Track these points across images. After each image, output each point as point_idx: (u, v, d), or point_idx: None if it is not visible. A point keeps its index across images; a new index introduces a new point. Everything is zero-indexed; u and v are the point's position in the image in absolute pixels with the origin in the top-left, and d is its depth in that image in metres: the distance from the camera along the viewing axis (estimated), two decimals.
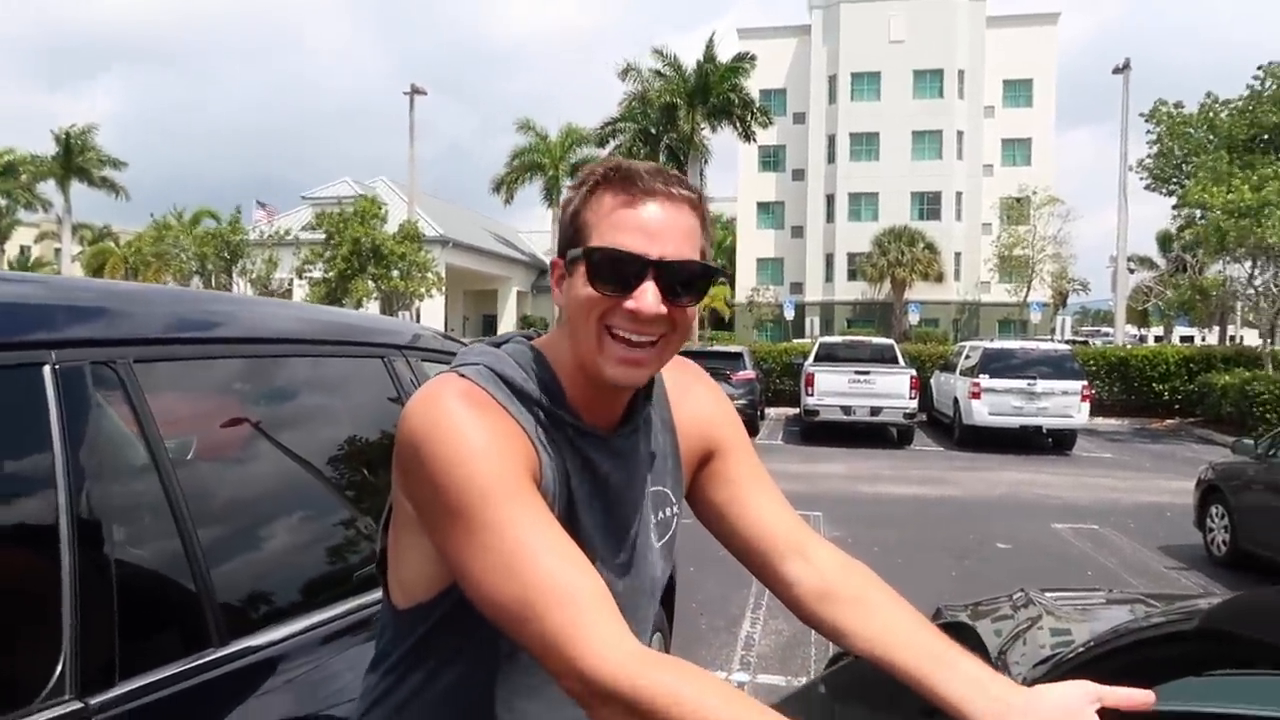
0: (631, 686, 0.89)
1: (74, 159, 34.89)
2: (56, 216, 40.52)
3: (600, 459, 1.10)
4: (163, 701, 1.33)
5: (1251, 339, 26.96)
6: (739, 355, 17.76)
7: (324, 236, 25.03)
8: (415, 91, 29.18)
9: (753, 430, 16.96)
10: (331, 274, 24.72)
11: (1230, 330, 33.57)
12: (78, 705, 1.22)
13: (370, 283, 24.78)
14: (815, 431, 16.22)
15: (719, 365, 16.53)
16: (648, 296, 1.01)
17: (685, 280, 1.03)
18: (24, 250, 59.81)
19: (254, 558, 1.74)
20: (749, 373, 17.08)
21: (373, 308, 26.20)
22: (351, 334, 2.18)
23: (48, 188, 37.84)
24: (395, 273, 24.87)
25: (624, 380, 1.05)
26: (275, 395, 1.94)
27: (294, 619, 1.66)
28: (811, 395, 15.91)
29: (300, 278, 26.25)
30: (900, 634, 1.10)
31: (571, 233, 1.06)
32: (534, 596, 0.93)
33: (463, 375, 1.05)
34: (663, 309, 1.02)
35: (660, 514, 1.20)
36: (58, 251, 42.94)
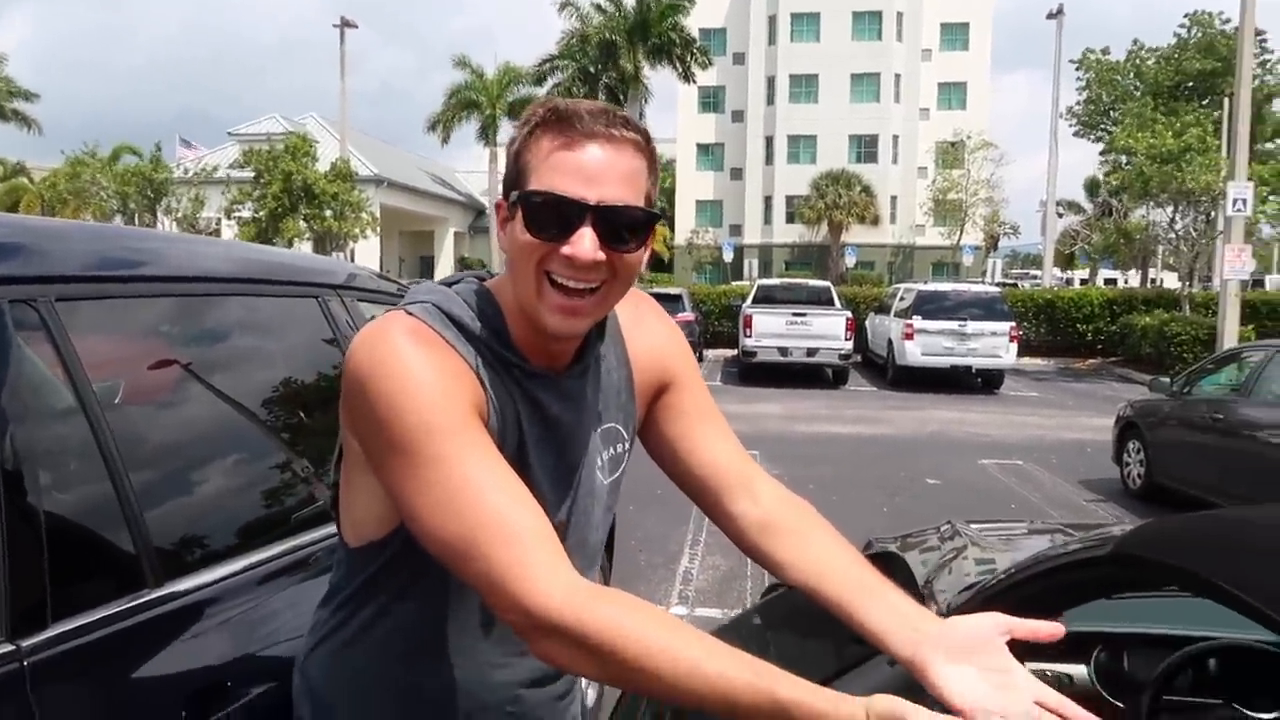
0: (575, 619, 0.90)
1: None
2: None
3: (549, 399, 1.10)
4: (97, 643, 1.32)
5: (1171, 282, 27.91)
6: (678, 297, 17.81)
7: (253, 175, 24.21)
8: (346, 24, 28.19)
9: None
10: (262, 213, 23.97)
11: (1152, 273, 34.67)
12: (9, 648, 1.20)
13: (302, 223, 24.11)
14: (753, 372, 16.41)
15: None
16: (584, 242, 0.98)
17: (626, 226, 1.00)
18: None
19: (188, 500, 1.71)
20: (688, 315, 17.17)
21: (305, 248, 25.56)
22: (284, 273, 2.13)
23: None
24: (328, 213, 24.22)
25: (562, 329, 1.04)
26: (206, 336, 1.90)
27: (230, 560, 1.65)
28: (749, 337, 16.06)
29: (229, 217, 25.41)
30: (832, 566, 1.13)
31: (514, 174, 1.04)
32: (478, 533, 0.93)
33: (410, 313, 1.04)
34: (600, 255, 0.99)
35: (611, 450, 1.20)
36: None
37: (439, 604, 1.12)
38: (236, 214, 24.97)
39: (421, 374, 0.97)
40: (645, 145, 1.03)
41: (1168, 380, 8.33)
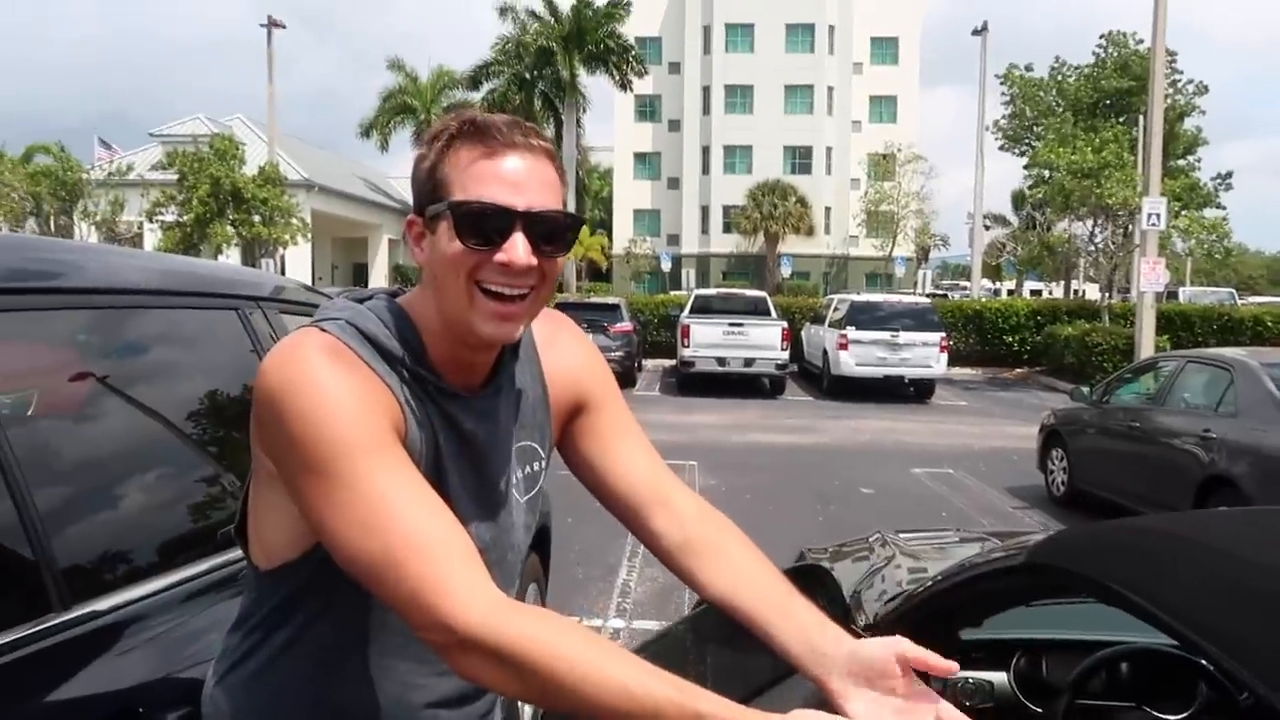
0: (496, 634, 0.90)
1: None
2: None
3: (464, 417, 1.09)
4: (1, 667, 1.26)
5: (1094, 293, 28.86)
6: (616, 307, 17.78)
7: (177, 177, 23.51)
8: (273, 24, 27.61)
9: (630, 382, 17.10)
10: (188, 218, 23.29)
11: (1074, 284, 35.81)
12: None
13: (230, 228, 23.49)
14: (691, 382, 16.49)
15: (596, 317, 16.50)
16: (518, 249, 0.99)
17: (553, 231, 1.02)
18: None
19: (101, 518, 1.66)
20: (626, 324, 17.11)
21: (234, 254, 24.92)
22: (203, 285, 2.07)
23: None
24: (257, 218, 23.65)
25: (497, 336, 1.04)
26: (123, 349, 1.84)
27: (146, 579, 1.60)
28: (687, 347, 16.14)
29: (151, 221, 24.61)
30: (747, 583, 1.15)
31: (430, 188, 1.03)
32: (397, 551, 0.92)
33: (324, 330, 1.02)
34: (534, 260, 1.01)
35: (527, 469, 1.20)
36: None
37: (355, 626, 1.10)
38: (159, 218, 24.20)
39: (337, 392, 0.96)
40: (556, 155, 1.06)
41: (1087, 389, 8.60)
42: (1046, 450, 8.61)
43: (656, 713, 0.88)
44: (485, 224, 0.99)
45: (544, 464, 1.23)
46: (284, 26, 28.07)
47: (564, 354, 1.24)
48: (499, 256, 1.00)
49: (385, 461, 0.96)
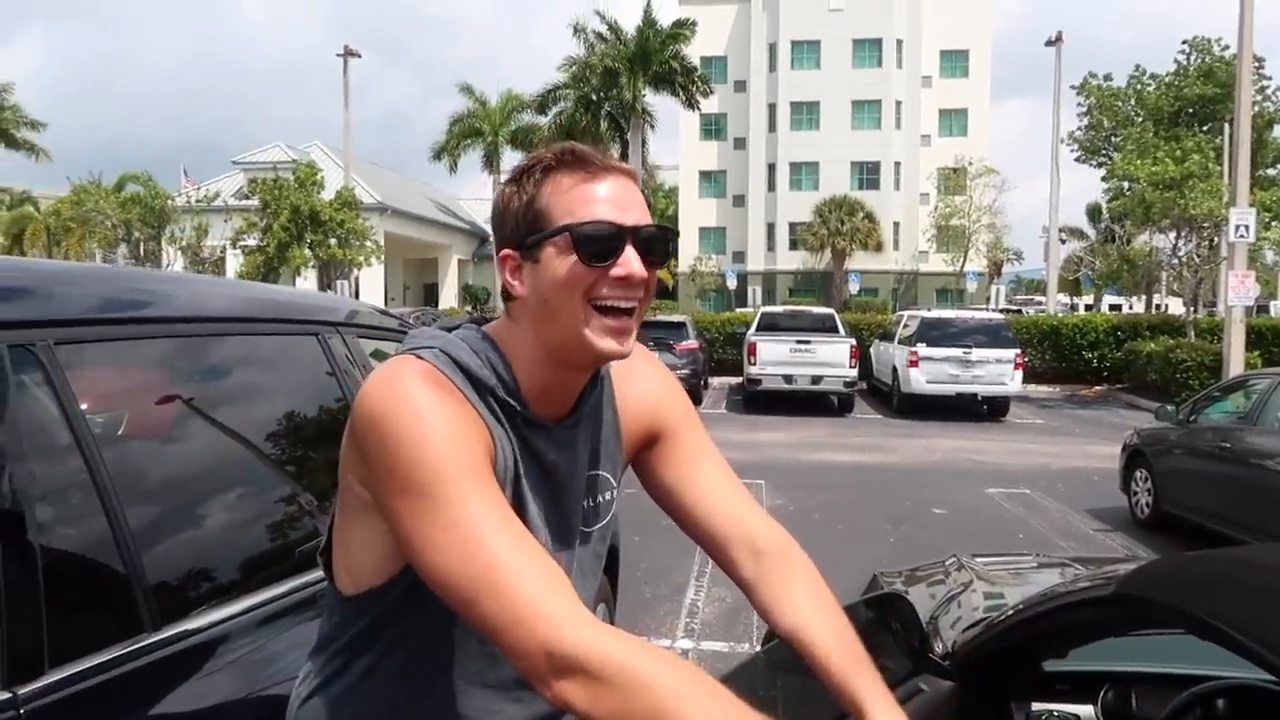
0: (592, 655, 0.90)
1: None
2: None
3: (546, 448, 1.12)
4: (94, 689, 1.30)
5: (1176, 307, 27.91)
6: (682, 325, 17.76)
7: (260, 204, 24.33)
8: (349, 54, 28.44)
9: (696, 399, 17.07)
10: (269, 243, 24.06)
11: (1156, 299, 34.67)
12: (6, 695, 1.19)
13: (308, 251, 24.20)
14: (758, 400, 16.37)
15: (662, 335, 16.55)
16: (634, 262, 1.05)
17: (656, 244, 1.08)
18: None
19: (188, 538, 1.71)
20: (692, 342, 17.11)
21: (310, 276, 25.63)
22: (284, 311, 2.14)
23: None
24: (334, 241, 24.33)
25: (616, 351, 1.07)
26: (207, 374, 1.90)
27: (232, 600, 1.64)
28: (754, 364, 16.02)
29: (234, 246, 25.51)
30: (817, 629, 1.19)
31: (531, 218, 1.07)
32: (492, 572, 0.94)
33: (421, 357, 1.06)
34: (645, 272, 1.07)
35: (600, 498, 1.22)
36: None
37: (435, 653, 1.11)
38: (242, 243, 25.06)
39: (435, 418, 0.99)
40: (637, 177, 1.13)
41: (1174, 408, 8.29)
42: (1130, 471, 8.32)
43: None
44: (603, 243, 1.04)
45: (614, 494, 1.25)
46: (359, 56, 28.92)
47: (641, 382, 1.26)
48: (616, 271, 1.05)
49: (481, 488, 0.99)
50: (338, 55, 28.27)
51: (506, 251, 1.09)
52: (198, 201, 26.78)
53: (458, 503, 0.96)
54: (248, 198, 25.08)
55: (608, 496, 1.23)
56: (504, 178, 1.15)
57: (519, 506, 1.08)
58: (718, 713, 0.89)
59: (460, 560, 0.95)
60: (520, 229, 1.07)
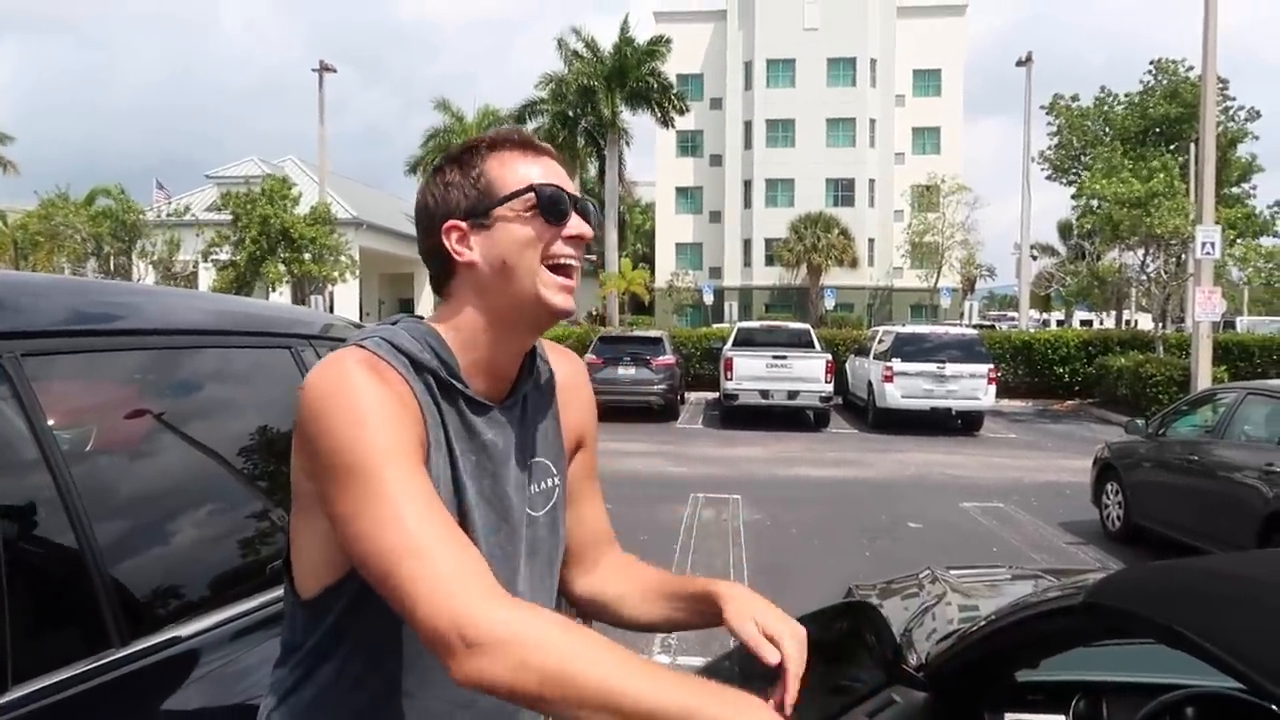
0: (500, 631, 0.89)
1: None
2: None
3: (485, 426, 1.17)
4: (60, 705, 1.28)
5: (1146, 323, 28.30)
6: (659, 340, 17.75)
7: (231, 218, 24.14)
8: (325, 68, 28.34)
9: (673, 415, 17.08)
10: (240, 257, 23.86)
11: (1126, 314, 35.15)
12: None
13: (281, 266, 24.02)
14: (735, 415, 16.41)
15: (639, 350, 16.60)
16: (584, 224, 1.18)
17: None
18: None
19: (157, 553, 1.68)
20: (669, 358, 17.11)
21: (285, 291, 25.42)
22: (256, 324, 2.12)
23: None
24: (307, 256, 24.16)
25: (566, 307, 1.16)
26: (178, 387, 1.88)
27: (202, 614, 1.62)
28: (730, 380, 16.08)
29: (206, 260, 25.27)
30: (645, 584, 1.33)
31: (483, 187, 1.15)
32: (409, 548, 0.96)
33: (362, 346, 1.11)
34: (592, 232, 1.20)
35: (542, 484, 1.26)
36: None
37: (400, 652, 1.11)
38: (214, 257, 24.84)
39: (369, 401, 1.04)
40: None
41: (1143, 422, 8.40)
42: (1101, 484, 8.41)
43: (685, 713, 0.87)
44: (560, 204, 1.15)
45: (557, 481, 1.28)
46: (335, 70, 28.82)
47: (583, 398, 1.36)
48: (569, 230, 1.16)
49: (408, 470, 1.02)
50: (313, 70, 28.16)
51: (453, 222, 1.16)
52: (169, 215, 26.48)
53: (383, 481, 1.00)
54: (220, 211, 24.85)
55: (548, 484, 1.26)
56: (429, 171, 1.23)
57: (455, 484, 1.12)
58: (643, 669, 0.89)
59: (379, 535, 0.97)
60: (469, 200, 1.15)
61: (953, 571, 2.99)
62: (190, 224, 26.20)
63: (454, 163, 1.18)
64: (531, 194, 1.14)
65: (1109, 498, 8.23)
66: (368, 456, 1.00)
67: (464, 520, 1.11)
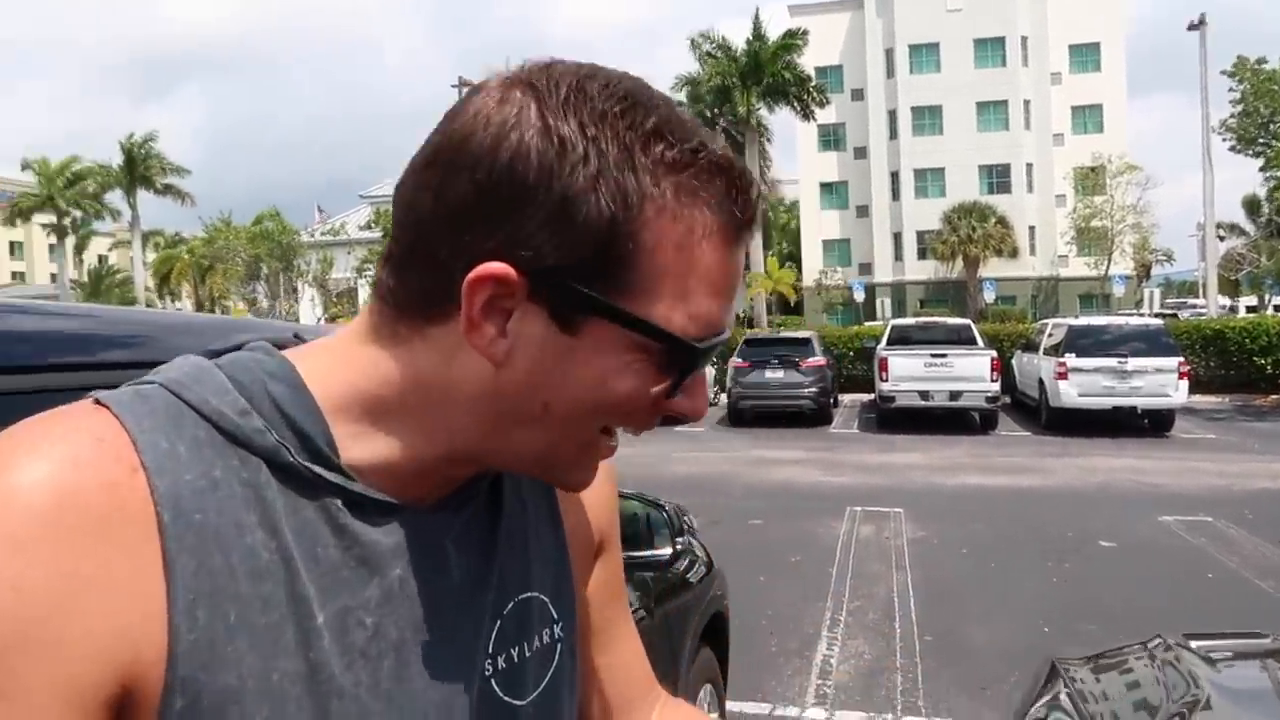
0: None
1: (136, 168, 35.71)
2: (128, 224, 41.84)
3: (391, 547, 0.59)
4: None
5: None
6: (807, 341, 17.11)
7: (381, 234, 25.03)
8: (463, 84, 28.96)
9: (825, 419, 16.36)
10: None
11: None
12: None
13: None
14: (892, 418, 15.51)
15: (787, 352, 16.16)
16: (701, 395, 0.62)
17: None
18: (101, 259, 61.78)
19: None
20: (819, 359, 16.50)
21: None
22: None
23: (116, 197, 39.02)
24: None
25: (586, 484, 0.65)
26: None
27: None
28: (886, 381, 15.23)
29: (360, 275, 26.34)
30: None
31: (616, 252, 0.54)
32: None
33: (102, 404, 0.53)
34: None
35: (532, 642, 0.68)
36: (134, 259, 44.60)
37: None
38: (367, 272, 25.83)
39: (24, 561, 0.47)
40: None
41: None
42: None
43: None
44: (700, 359, 0.59)
45: (561, 632, 0.71)
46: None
47: (598, 478, 0.68)
48: (681, 402, 0.60)
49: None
50: (452, 86, 28.85)
51: (492, 268, 0.53)
52: (323, 234, 27.78)
53: None
54: (371, 228, 25.80)
55: (548, 638, 0.69)
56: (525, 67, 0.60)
57: (308, 664, 0.54)
58: None
59: None
60: (570, 250, 0.53)
61: (1196, 643, 2.23)
62: (343, 243, 27.35)
63: (587, 131, 0.53)
64: (688, 347, 0.57)
65: None
66: None
67: None
